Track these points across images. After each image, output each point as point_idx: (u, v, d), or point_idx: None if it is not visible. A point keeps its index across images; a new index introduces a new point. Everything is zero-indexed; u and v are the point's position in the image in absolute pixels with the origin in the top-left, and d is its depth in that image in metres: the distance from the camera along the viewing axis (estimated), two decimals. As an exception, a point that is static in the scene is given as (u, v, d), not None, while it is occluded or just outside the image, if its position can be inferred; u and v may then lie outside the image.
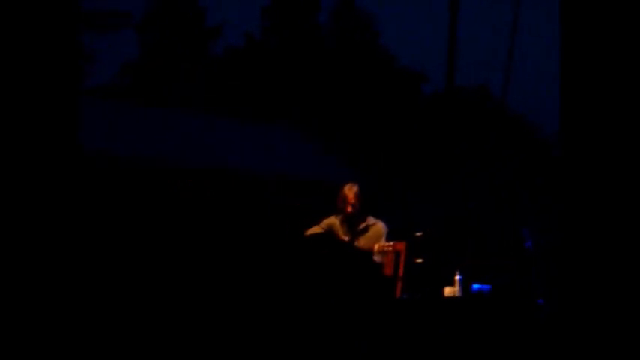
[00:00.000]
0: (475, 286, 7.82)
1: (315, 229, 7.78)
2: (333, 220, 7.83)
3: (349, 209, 7.61)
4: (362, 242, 7.63)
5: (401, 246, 7.68)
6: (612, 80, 4.63)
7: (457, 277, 7.71)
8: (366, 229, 7.71)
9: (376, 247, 7.54)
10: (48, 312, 4.78)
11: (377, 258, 7.58)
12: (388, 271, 7.64)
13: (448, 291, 7.68)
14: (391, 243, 7.66)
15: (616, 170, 4.58)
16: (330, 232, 7.64)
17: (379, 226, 7.73)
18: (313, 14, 34.15)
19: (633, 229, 4.50)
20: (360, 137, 29.68)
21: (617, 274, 4.55)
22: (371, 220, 7.75)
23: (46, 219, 4.82)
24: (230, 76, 31.37)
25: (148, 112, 16.52)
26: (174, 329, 7.87)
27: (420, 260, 8.08)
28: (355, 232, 7.69)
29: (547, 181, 28.31)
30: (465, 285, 7.70)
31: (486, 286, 7.81)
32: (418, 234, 8.06)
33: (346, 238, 7.64)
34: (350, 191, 7.68)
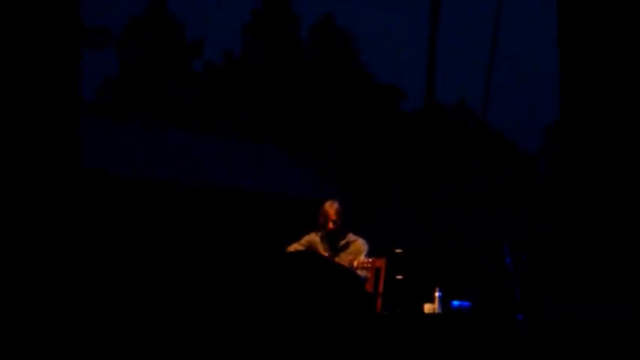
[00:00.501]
0: (455, 302, 7.81)
1: (295, 246, 7.76)
2: (313, 237, 7.82)
3: (330, 225, 7.60)
4: (342, 258, 7.62)
5: (381, 263, 7.66)
6: (610, 83, 4.65)
7: (437, 294, 7.70)
8: (347, 245, 7.70)
9: (355, 263, 7.52)
10: (46, 317, 4.80)
11: (362, 273, 7.56)
12: (369, 287, 7.62)
13: (428, 308, 7.67)
14: (371, 259, 7.65)
15: (616, 175, 4.59)
16: (310, 248, 7.61)
17: (359, 243, 7.72)
18: (293, 31, 34.23)
19: (631, 235, 4.51)
20: (340, 153, 29.72)
21: (614, 281, 4.56)
22: (351, 236, 7.75)
23: (40, 228, 4.83)
24: (210, 92, 31.37)
25: (127, 128, 16.48)
26: (159, 344, 7.84)
27: (400, 277, 8.07)
28: (336, 249, 7.68)
29: (529, 196, 28.43)
30: (444, 302, 7.70)
31: (466, 303, 7.81)
32: (398, 250, 8.04)
33: (326, 255, 7.62)
34: (331, 207, 7.67)
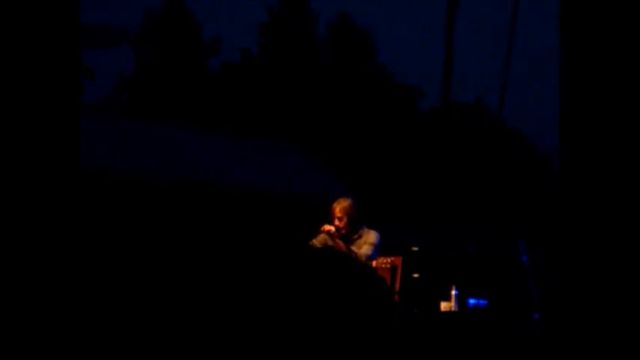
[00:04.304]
0: (471, 300, 7.81)
1: (313, 242, 7.75)
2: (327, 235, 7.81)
3: (336, 223, 7.60)
4: (355, 249, 7.60)
5: (397, 261, 7.67)
6: (612, 87, 4.64)
7: (453, 292, 7.70)
8: (359, 237, 7.69)
9: (374, 264, 7.53)
10: (46, 316, 4.82)
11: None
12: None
13: (444, 306, 7.68)
14: (388, 258, 7.65)
15: (618, 177, 4.58)
16: (325, 244, 7.61)
17: (371, 233, 7.70)
18: (311, 30, 34.22)
19: (635, 237, 4.50)
20: (357, 152, 29.71)
21: (620, 286, 4.54)
22: (365, 230, 7.73)
23: (43, 229, 4.84)
24: (227, 92, 31.41)
25: (144, 127, 16.51)
26: (164, 341, 7.86)
27: (416, 275, 8.07)
28: (350, 242, 7.66)
29: (545, 195, 28.34)
30: (461, 300, 7.70)
31: (483, 301, 7.81)
32: (414, 249, 8.05)
33: (341, 247, 7.60)
34: (337, 205, 7.68)
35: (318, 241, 7.60)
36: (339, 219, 7.58)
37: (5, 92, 4.82)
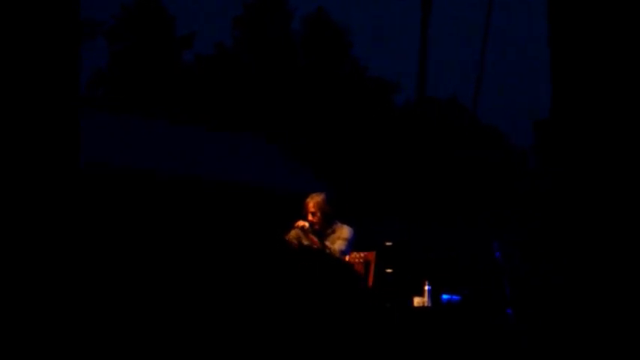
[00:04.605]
0: (444, 296, 7.81)
1: (288, 236, 7.72)
2: (299, 230, 7.78)
3: (309, 218, 7.57)
4: (329, 244, 7.58)
5: (371, 256, 7.65)
6: (603, 83, 4.63)
7: (427, 287, 7.69)
8: (333, 232, 7.67)
9: (347, 258, 7.51)
10: (47, 316, 4.80)
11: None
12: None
13: (417, 301, 7.66)
14: (362, 253, 7.63)
15: (612, 173, 4.56)
16: (298, 239, 7.58)
17: (345, 228, 7.68)
18: (286, 24, 34.16)
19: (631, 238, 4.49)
20: (331, 146, 29.71)
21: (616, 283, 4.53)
22: (338, 224, 7.70)
23: (40, 224, 4.83)
24: (201, 85, 31.31)
25: (118, 120, 16.42)
26: (158, 343, 7.82)
27: (389, 270, 8.05)
28: (323, 237, 7.63)
29: (520, 191, 28.47)
30: (434, 295, 7.69)
31: (456, 297, 7.81)
32: (388, 244, 8.03)
33: (315, 245, 7.58)
34: (311, 200, 7.65)
35: (291, 236, 7.57)
36: (313, 214, 7.56)
37: (5, 92, 4.80)
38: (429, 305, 7.60)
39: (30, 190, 4.78)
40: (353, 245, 7.61)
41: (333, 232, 7.59)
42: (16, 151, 4.76)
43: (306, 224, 7.46)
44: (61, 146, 4.95)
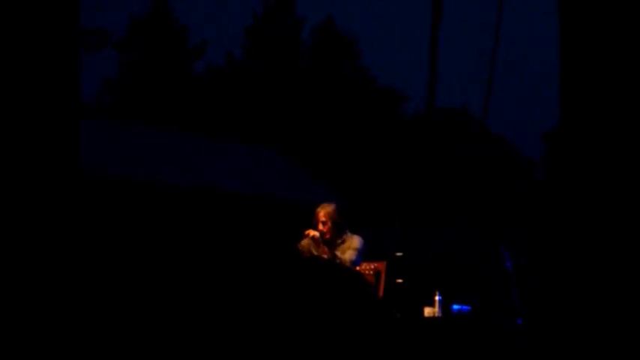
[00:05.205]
0: (455, 306, 7.81)
1: (300, 245, 7.72)
2: (309, 240, 7.78)
3: (320, 227, 7.57)
4: (339, 254, 7.58)
5: (381, 266, 7.65)
6: (612, 88, 4.63)
7: (437, 298, 7.69)
8: (343, 242, 7.67)
9: (357, 269, 7.50)
10: (47, 318, 4.82)
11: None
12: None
13: (428, 311, 7.66)
14: (372, 264, 7.63)
15: (616, 179, 4.56)
16: (308, 249, 7.58)
17: (355, 238, 7.67)
18: (296, 34, 34.21)
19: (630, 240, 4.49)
20: (340, 157, 29.71)
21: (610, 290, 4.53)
22: (348, 234, 7.70)
23: (40, 229, 4.84)
24: (211, 95, 31.36)
25: (128, 130, 16.46)
26: (160, 345, 7.83)
27: (400, 280, 8.06)
28: (334, 247, 7.63)
29: (529, 201, 28.43)
30: (444, 305, 7.69)
31: (466, 307, 7.80)
32: (398, 254, 8.03)
33: (325, 255, 7.58)
34: (321, 209, 7.65)
35: (301, 246, 7.58)
36: (323, 224, 7.55)
37: (5, 94, 4.81)
38: (440, 315, 7.60)
39: (29, 196, 4.79)
40: (363, 255, 7.60)
41: (344, 242, 7.59)
42: (16, 156, 4.77)
43: (317, 234, 7.46)
44: (61, 151, 4.95)
